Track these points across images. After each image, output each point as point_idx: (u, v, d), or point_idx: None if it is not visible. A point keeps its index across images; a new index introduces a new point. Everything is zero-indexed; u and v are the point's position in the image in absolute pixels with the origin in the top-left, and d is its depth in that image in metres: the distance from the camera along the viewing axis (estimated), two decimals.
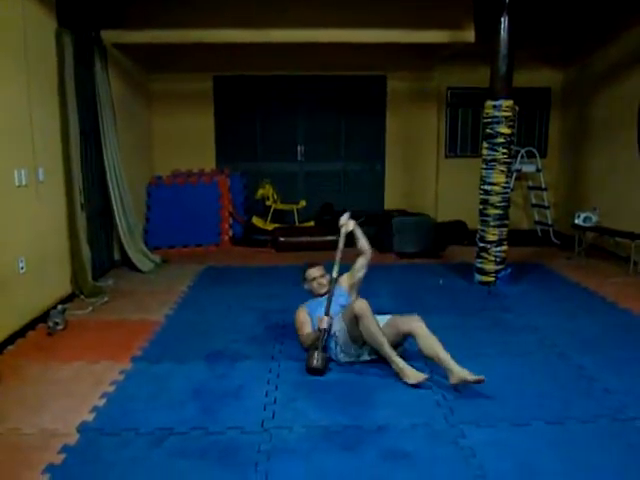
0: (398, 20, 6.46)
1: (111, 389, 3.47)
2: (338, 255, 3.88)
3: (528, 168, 8.46)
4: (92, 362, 3.88)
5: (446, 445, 2.83)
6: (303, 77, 8.59)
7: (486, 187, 5.71)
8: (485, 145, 5.71)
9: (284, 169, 8.85)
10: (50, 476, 2.57)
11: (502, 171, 5.63)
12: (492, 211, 5.70)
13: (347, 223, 3.98)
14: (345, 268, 4.10)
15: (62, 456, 2.74)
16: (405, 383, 3.46)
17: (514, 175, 8.02)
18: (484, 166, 5.72)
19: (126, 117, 7.05)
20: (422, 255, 7.25)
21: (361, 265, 4.11)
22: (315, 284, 4.05)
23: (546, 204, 8.45)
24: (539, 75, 8.75)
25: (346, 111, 8.80)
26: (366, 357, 3.78)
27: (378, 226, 7.65)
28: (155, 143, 8.50)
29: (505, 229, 5.77)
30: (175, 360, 3.90)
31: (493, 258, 5.75)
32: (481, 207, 5.80)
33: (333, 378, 3.63)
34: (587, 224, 7.04)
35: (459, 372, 3.35)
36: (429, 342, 3.51)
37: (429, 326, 3.58)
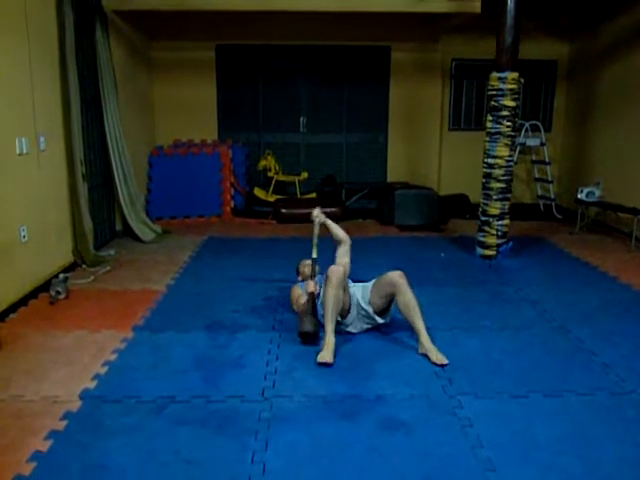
0: None
1: (113, 357, 3.50)
2: (314, 240, 4.07)
3: (532, 142, 8.40)
4: (94, 331, 3.91)
5: (444, 415, 2.86)
6: (306, 47, 8.48)
7: (489, 160, 5.67)
8: (489, 118, 5.65)
9: (286, 140, 8.79)
10: (53, 442, 2.61)
11: (506, 144, 5.59)
12: (495, 185, 5.67)
13: (319, 216, 4.22)
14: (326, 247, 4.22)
15: (64, 422, 2.77)
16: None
17: (518, 149, 7.97)
18: (488, 139, 5.67)
19: (128, 86, 6.99)
20: (424, 228, 7.24)
21: (344, 252, 4.26)
22: (305, 269, 4.31)
23: (549, 178, 8.40)
24: (545, 47, 8.64)
25: (349, 82, 8.70)
26: (370, 323, 3.85)
27: (380, 198, 7.59)
28: (157, 113, 8.44)
29: (508, 203, 5.75)
30: (176, 329, 3.93)
31: (495, 232, 5.74)
32: (484, 180, 5.77)
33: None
34: (590, 199, 7.01)
35: (428, 349, 3.48)
36: (408, 298, 3.59)
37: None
